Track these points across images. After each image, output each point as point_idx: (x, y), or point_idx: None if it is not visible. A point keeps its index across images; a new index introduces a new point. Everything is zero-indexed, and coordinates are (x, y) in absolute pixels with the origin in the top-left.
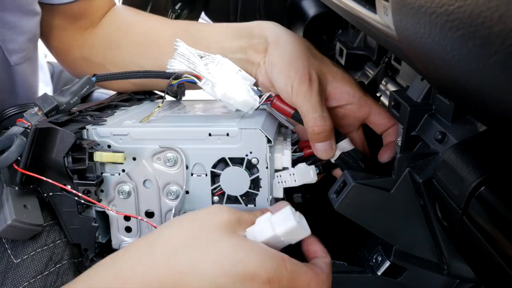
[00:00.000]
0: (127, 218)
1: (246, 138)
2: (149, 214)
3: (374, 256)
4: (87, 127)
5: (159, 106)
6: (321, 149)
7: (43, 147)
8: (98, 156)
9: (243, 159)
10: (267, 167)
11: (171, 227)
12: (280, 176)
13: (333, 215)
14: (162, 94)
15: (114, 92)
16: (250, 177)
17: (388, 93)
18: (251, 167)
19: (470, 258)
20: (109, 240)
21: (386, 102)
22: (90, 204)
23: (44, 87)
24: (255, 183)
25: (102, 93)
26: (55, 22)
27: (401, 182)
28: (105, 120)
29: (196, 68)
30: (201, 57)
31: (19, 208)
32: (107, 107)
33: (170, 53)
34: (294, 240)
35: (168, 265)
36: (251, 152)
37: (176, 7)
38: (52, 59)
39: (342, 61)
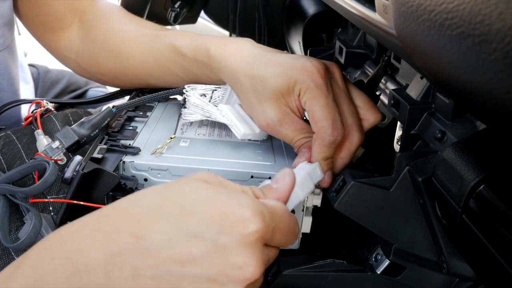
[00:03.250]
0: None
1: None
2: None
3: (374, 255)
4: (123, 159)
5: (171, 138)
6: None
7: (84, 187)
8: None
9: None
10: (302, 210)
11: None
12: None
13: (332, 214)
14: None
15: (109, 90)
16: None
17: (388, 91)
18: None
19: (470, 256)
20: None
21: (385, 100)
22: None
23: (24, 85)
24: None
25: (98, 91)
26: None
27: (400, 180)
28: (139, 149)
29: (212, 115)
30: (213, 91)
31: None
32: (127, 120)
33: (143, 66)
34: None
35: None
36: None
37: (176, 6)
38: (35, 61)
39: (342, 60)
